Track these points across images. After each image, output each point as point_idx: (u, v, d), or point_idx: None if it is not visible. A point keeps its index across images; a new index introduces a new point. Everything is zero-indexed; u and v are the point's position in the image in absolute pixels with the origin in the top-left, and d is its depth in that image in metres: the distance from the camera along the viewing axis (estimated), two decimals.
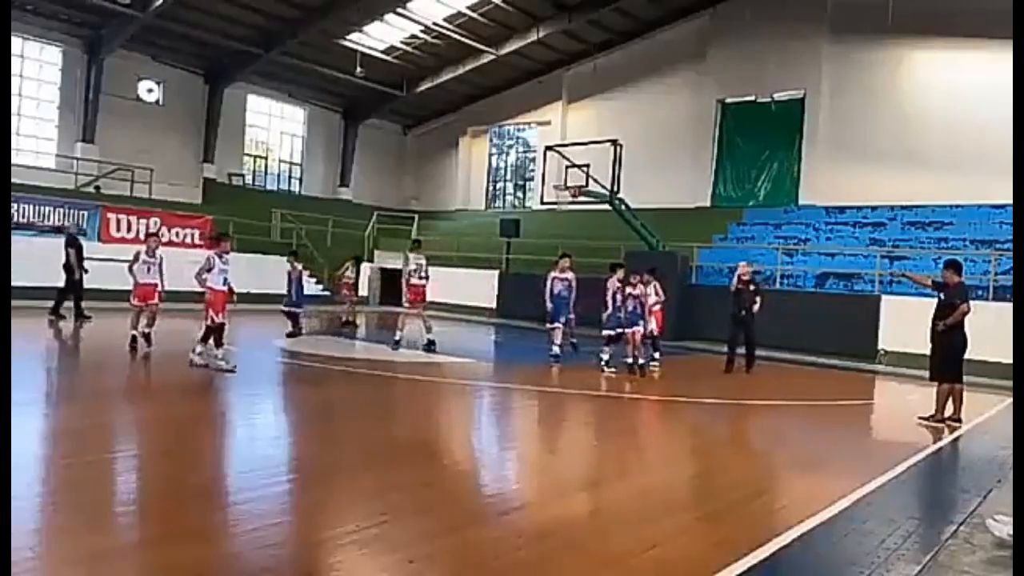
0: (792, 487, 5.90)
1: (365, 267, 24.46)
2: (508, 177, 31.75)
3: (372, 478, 5.09)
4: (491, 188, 31.79)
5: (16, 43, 22.11)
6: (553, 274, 12.31)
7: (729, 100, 24.23)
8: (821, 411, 9.41)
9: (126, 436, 6.11)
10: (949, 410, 8.29)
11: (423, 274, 12.58)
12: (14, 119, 22.39)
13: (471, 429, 7.81)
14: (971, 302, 8.33)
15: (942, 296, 8.38)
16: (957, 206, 18.71)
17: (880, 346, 14.90)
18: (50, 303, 14.48)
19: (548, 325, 12.09)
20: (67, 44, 22.76)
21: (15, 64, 22.23)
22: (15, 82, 22.30)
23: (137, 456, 5.54)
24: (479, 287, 21.48)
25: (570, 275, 12.27)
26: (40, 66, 22.81)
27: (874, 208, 20.74)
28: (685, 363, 14.42)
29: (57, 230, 18.19)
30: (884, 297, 15.48)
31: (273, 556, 3.64)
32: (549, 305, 12.06)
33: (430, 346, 12.34)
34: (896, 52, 21.07)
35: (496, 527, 4.24)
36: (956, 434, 7.96)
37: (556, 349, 11.85)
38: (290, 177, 30.04)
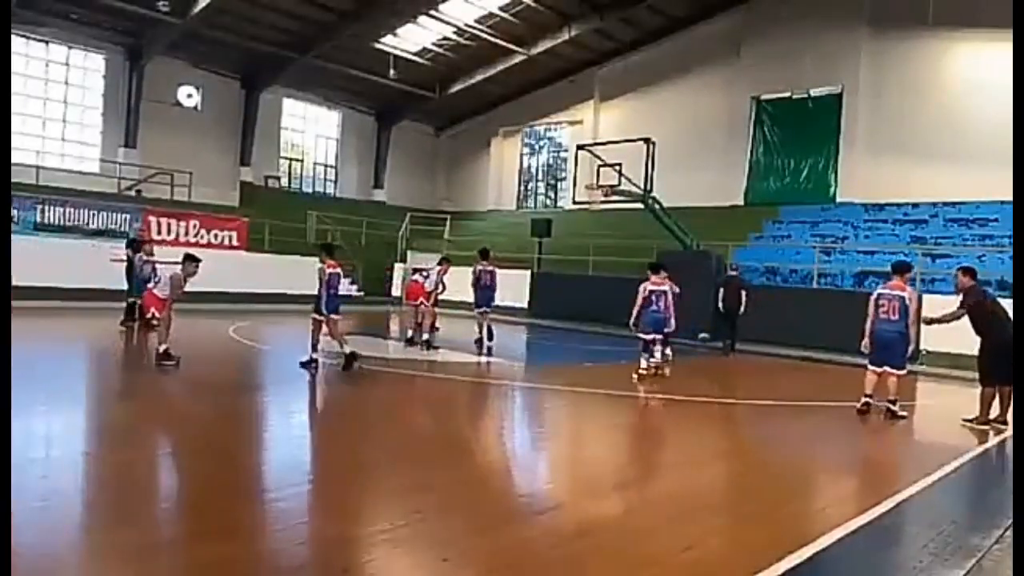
0: (832, 489, 5.78)
1: (398, 267, 24.72)
2: (540, 177, 31.71)
3: (406, 476, 5.11)
4: (523, 188, 31.80)
5: (61, 51, 22.81)
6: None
7: (764, 97, 23.90)
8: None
9: (159, 434, 6.23)
10: (995, 412, 8.06)
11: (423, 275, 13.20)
12: (60, 126, 23.08)
13: (504, 428, 7.81)
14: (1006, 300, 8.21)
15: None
16: (1002, 202, 18.16)
17: (921, 347, 14.52)
18: (90, 304, 14.91)
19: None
20: (110, 51, 23.36)
21: (60, 72, 22.91)
22: (60, 90, 22.98)
23: (171, 454, 5.65)
24: (511, 287, 21.45)
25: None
26: (84, 73, 23.45)
27: (915, 205, 20.26)
28: (722, 363, 14.26)
29: (100, 233, 18.67)
30: (925, 296, 15.07)
31: (308, 553, 3.68)
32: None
33: (425, 344, 12.48)
34: (938, 45, 20.56)
35: (530, 527, 4.23)
36: (1001, 436, 7.73)
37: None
38: (325, 179, 30.41)
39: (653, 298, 10.53)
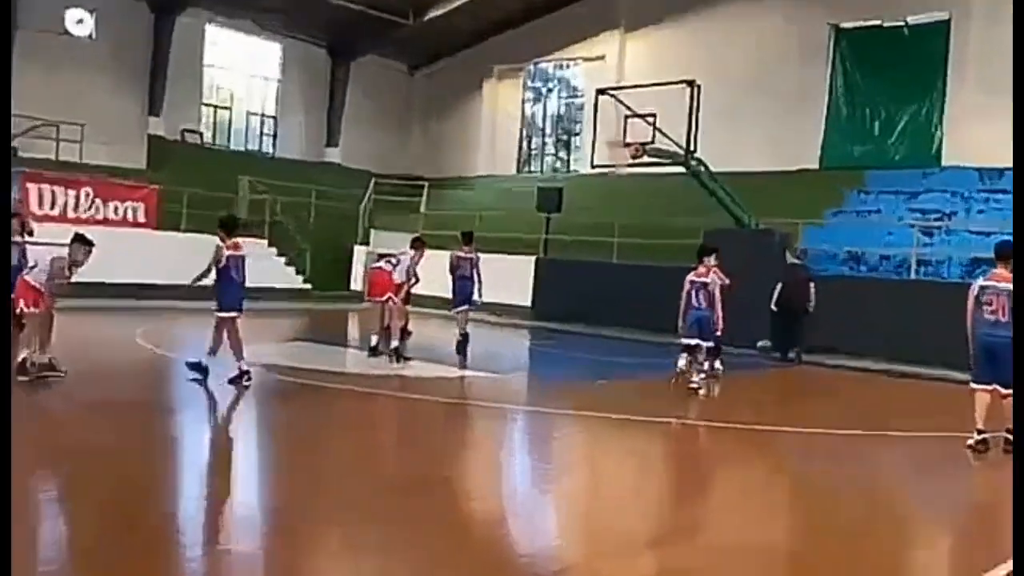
0: (928, 558, 5.80)
1: (359, 251, 24.75)
2: (548, 132, 31.77)
3: (368, 534, 5.12)
4: (526, 147, 31.85)
5: None
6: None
7: (846, 25, 23.87)
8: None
9: (42, 471, 6.21)
10: None
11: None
12: None
13: (499, 466, 7.83)
14: None
15: None
16: None
17: None
18: None
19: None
20: None
21: None
22: None
23: (55, 499, 5.64)
24: (509, 279, 21.38)
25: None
26: None
27: None
28: (786, 378, 14.30)
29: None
30: None
31: None
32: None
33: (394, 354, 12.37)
34: None
35: None
36: None
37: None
38: (261, 134, 30.44)
39: (693, 292, 10.83)
